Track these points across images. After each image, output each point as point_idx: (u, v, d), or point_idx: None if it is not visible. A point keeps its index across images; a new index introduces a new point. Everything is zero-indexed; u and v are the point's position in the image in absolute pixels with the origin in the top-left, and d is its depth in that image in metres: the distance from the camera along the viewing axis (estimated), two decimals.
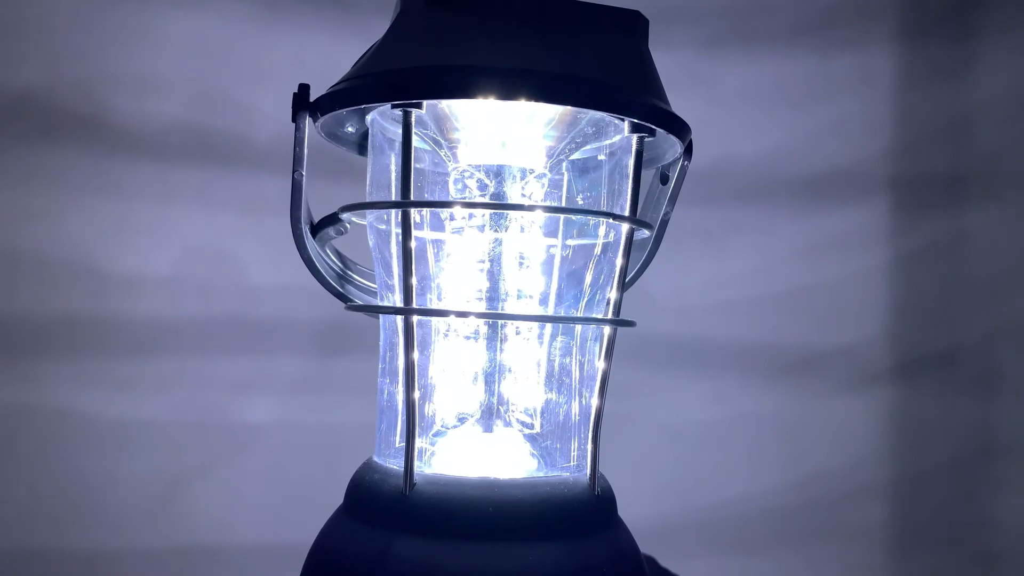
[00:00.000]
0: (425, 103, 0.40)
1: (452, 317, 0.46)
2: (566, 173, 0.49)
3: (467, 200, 0.46)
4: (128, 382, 0.78)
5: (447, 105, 0.43)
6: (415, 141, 0.42)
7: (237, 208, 0.81)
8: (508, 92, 0.39)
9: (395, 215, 0.45)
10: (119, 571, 0.78)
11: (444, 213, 0.46)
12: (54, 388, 0.77)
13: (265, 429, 0.82)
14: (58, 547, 0.77)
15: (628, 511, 0.49)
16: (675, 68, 0.91)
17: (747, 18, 0.93)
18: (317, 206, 0.50)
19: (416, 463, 0.42)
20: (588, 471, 0.45)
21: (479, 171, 0.46)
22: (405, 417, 0.42)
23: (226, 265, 0.81)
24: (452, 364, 0.46)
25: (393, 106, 0.41)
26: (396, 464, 0.45)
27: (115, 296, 0.78)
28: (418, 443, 0.43)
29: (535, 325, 0.47)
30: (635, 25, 0.44)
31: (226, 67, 0.81)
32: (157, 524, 0.79)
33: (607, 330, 0.44)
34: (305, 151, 0.46)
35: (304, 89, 0.45)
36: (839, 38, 0.95)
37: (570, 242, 0.48)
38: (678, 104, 0.46)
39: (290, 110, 0.46)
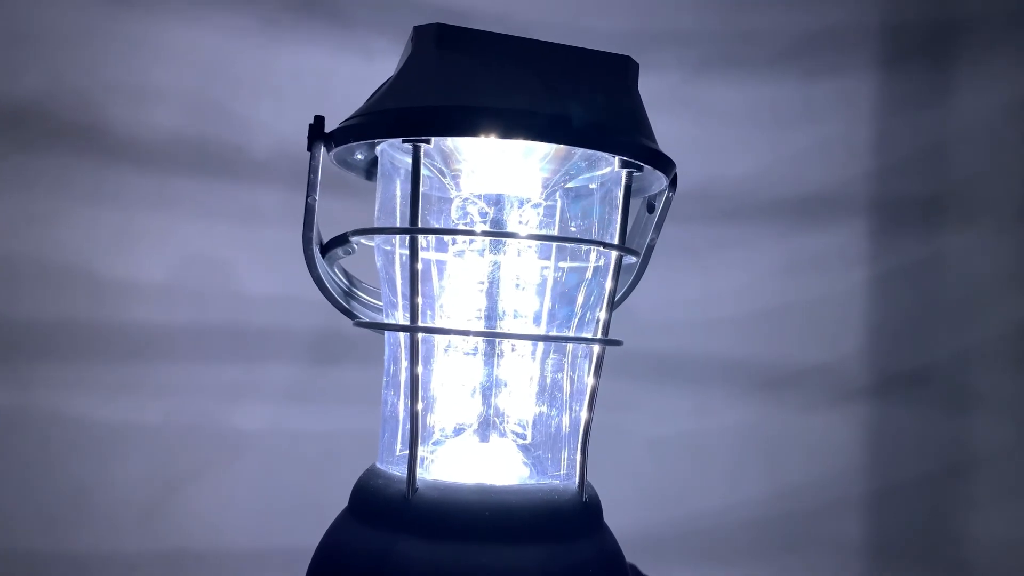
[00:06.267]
0: (433, 139, 0.44)
1: (453, 335, 0.49)
2: (560, 200, 0.52)
3: (469, 227, 0.49)
4: (122, 387, 0.79)
5: (453, 140, 0.46)
6: (422, 170, 0.45)
7: (233, 218, 0.81)
8: (509, 131, 0.42)
9: (402, 238, 0.49)
10: (111, 574, 0.79)
11: (447, 237, 0.49)
12: (49, 392, 0.77)
13: (257, 435, 0.82)
14: (51, 549, 0.77)
15: (611, 519, 0.51)
16: (664, 91, 0.93)
17: (733, 44, 0.96)
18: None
19: (417, 469, 0.45)
20: (577, 479, 0.48)
21: (480, 199, 0.49)
22: (408, 426, 0.45)
23: (221, 274, 0.81)
24: (452, 378, 0.49)
25: (404, 141, 0.44)
26: (398, 470, 0.48)
27: (111, 302, 0.78)
28: (419, 451, 0.46)
29: (529, 343, 0.50)
30: (626, 68, 0.47)
31: (225, 79, 0.81)
32: (149, 528, 0.80)
33: (596, 348, 0.48)
34: (319, 178, 0.49)
35: (319, 121, 0.48)
36: (822, 65, 0.97)
37: (563, 265, 0.51)
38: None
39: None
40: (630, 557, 0.54)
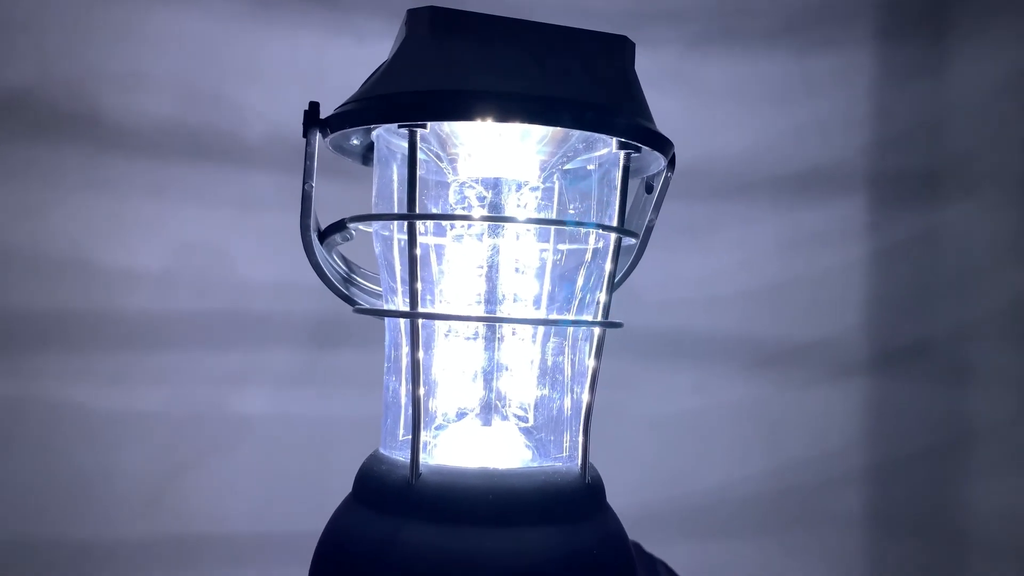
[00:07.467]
0: (429, 123, 0.43)
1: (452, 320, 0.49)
2: (558, 182, 0.52)
3: (467, 211, 0.49)
4: (122, 375, 0.79)
5: (449, 124, 0.46)
6: (418, 155, 0.45)
7: (228, 204, 0.81)
8: (505, 115, 0.42)
9: (400, 224, 0.49)
10: (114, 561, 0.79)
11: (445, 222, 0.49)
12: (49, 382, 0.77)
13: (258, 421, 0.82)
14: (54, 538, 0.78)
15: (613, 498, 0.51)
16: (660, 66, 0.93)
17: (731, 19, 0.95)
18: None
19: (420, 455, 0.45)
20: (579, 461, 0.48)
21: (478, 183, 0.49)
22: (411, 412, 0.45)
23: (218, 260, 0.81)
24: (453, 363, 0.49)
25: (400, 126, 0.44)
26: (401, 456, 0.48)
27: (108, 291, 0.79)
28: (422, 436, 0.46)
29: (530, 326, 0.50)
30: (622, 48, 0.47)
31: (218, 65, 0.81)
32: (152, 515, 0.80)
33: (597, 330, 0.48)
34: (315, 164, 0.48)
35: (314, 107, 0.48)
36: (819, 39, 0.97)
37: (562, 247, 0.51)
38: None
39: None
40: (634, 535, 0.54)
